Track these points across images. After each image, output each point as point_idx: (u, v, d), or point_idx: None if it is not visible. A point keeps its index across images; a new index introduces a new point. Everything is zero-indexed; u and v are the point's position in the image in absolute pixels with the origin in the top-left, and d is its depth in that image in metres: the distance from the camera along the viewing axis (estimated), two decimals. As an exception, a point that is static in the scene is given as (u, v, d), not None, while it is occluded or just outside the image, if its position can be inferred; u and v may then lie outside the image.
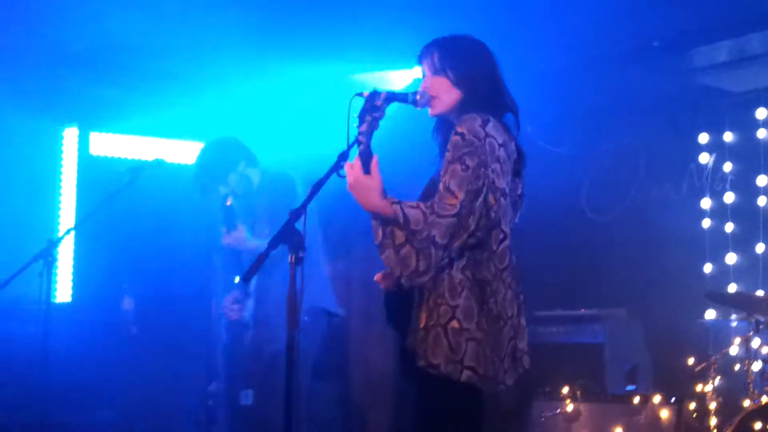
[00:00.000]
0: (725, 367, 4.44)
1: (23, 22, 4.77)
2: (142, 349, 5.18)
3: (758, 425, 4.02)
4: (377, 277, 2.74)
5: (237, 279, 4.30)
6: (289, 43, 5.10)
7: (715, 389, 4.29)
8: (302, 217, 2.58)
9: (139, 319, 5.30)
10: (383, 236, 2.55)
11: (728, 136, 5.23)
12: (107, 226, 4.89)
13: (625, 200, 5.48)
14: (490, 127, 2.58)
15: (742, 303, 4.43)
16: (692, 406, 4.47)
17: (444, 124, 2.77)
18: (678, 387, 4.60)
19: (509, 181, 2.65)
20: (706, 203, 5.27)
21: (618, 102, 5.40)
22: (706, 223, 5.25)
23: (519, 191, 2.75)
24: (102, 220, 4.55)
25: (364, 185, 2.54)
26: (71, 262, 5.24)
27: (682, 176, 5.34)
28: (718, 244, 5.18)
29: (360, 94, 2.65)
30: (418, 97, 2.71)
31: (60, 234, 4.54)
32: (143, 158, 5.40)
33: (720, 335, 4.85)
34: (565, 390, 4.71)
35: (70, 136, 5.38)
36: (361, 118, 2.61)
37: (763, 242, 5.04)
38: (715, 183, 5.25)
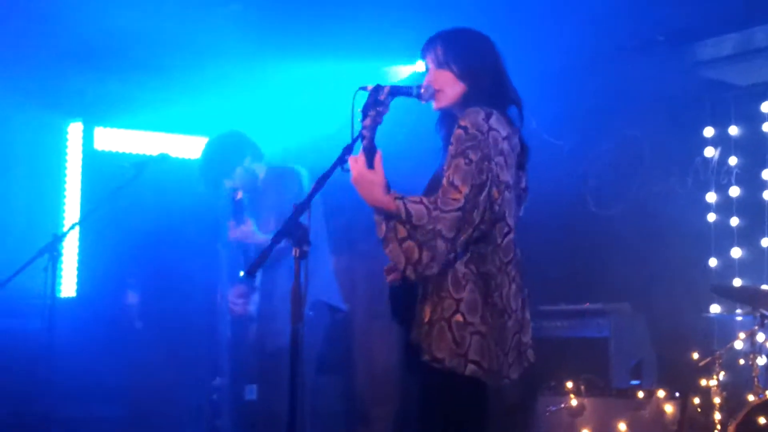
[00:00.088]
0: (730, 361, 4.43)
1: (28, 18, 4.77)
2: (147, 344, 5.19)
3: (763, 420, 4.01)
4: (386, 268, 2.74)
5: (242, 273, 4.30)
6: (293, 38, 5.09)
7: (719, 384, 4.27)
8: (307, 211, 2.58)
9: (143, 314, 5.31)
10: (387, 230, 2.54)
11: (733, 130, 5.21)
12: (112, 221, 4.90)
13: (629, 194, 5.47)
14: (494, 120, 2.58)
15: (748, 297, 4.41)
16: (697, 400, 4.47)
17: (447, 118, 2.76)
18: (682, 381, 4.59)
19: (513, 174, 2.64)
20: (711, 197, 5.25)
21: (623, 96, 5.38)
22: (711, 217, 5.23)
23: (523, 184, 2.74)
24: (106, 215, 4.55)
25: (367, 180, 2.54)
26: (76, 257, 5.26)
27: (687, 170, 5.32)
28: (723, 238, 5.16)
29: (364, 88, 2.64)
30: (422, 90, 2.70)
31: (65, 229, 4.55)
32: (148, 153, 5.40)
33: (725, 329, 4.84)
34: (570, 384, 4.70)
35: (74, 131, 5.39)
36: (365, 113, 2.60)
37: (769, 236, 5.02)
38: (720, 177, 5.23)
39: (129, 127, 5.48)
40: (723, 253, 5.15)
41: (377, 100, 2.61)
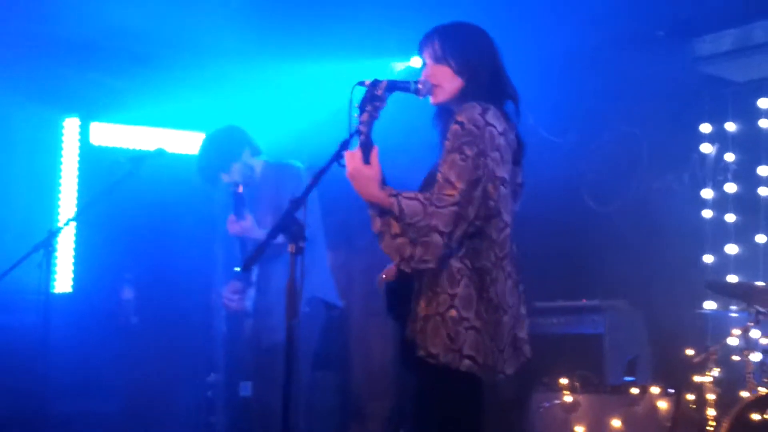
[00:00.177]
0: (724, 358, 4.43)
1: (24, 12, 4.76)
2: (142, 340, 5.18)
3: (756, 416, 4.02)
4: (384, 272, 2.74)
5: (237, 268, 4.29)
6: (292, 34, 5.09)
7: (713, 380, 4.28)
8: (303, 207, 2.58)
9: (139, 309, 5.30)
10: (381, 225, 2.55)
11: (731, 126, 5.21)
12: (108, 217, 4.88)
13: (626, 190, 5.47)
14: (490, 116, 2.57)
15: (742, 293, 4.42)
16: (690, 396, 4.47)
17: (444, 113, 2.75)
18: (676, 378, 4.60)
19: (509, 169, 2.64)
20: (707, 193, 5.26)
21: (620, 92, 5.38)
22: (707, 213, 5.24)
23: (519, 180, 2.74)
24: (102, 211, 4.53)
25: (363, 175, 2.54)
26: (72, 252, 5.24)
27: (684, 166, 5.33)
28: (718, 235, 5.17)
29: (361, 83, 2.64)
30: (420, 85, 2.70)
31: (60, 224, 4.53)
32: (144, 148, 5.38)
33: (719, 326, 4.84)
34: (564, 381, 4.71)
35: (70, 126, 5.37)
36: (362, 108, 2.60)
37: (764, 233, 5.03)
38: (716, 173, 5.24)
39: (125, 122, 5.46)
40: (718, 250, 5.16)
41: (374, 95, 2.61)
